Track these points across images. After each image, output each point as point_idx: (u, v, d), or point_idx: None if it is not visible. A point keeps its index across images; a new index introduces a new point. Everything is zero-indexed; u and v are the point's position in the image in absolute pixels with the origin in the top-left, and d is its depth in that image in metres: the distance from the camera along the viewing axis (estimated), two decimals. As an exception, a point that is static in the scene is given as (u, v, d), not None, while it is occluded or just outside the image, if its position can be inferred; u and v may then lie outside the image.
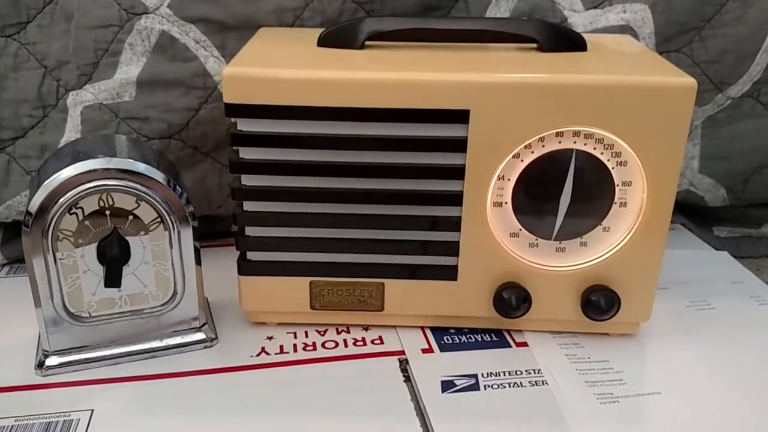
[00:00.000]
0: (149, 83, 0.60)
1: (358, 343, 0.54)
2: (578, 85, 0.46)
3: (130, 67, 0.60)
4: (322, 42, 0.53)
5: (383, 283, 0.53)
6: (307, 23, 0.60)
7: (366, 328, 0.56)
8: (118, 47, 0.60)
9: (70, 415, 0.46)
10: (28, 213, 0.46)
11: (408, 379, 0.50)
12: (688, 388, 0.49)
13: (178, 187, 0.49)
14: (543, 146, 0.48)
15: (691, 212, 0.74)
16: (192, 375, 0.50)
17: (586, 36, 0.55)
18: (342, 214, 0.50)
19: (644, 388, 0.49)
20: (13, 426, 0.45)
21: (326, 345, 0.54)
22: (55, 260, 0.47)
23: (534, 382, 0.50)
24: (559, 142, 0.48)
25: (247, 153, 0.49)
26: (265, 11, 0.59)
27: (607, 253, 0.51)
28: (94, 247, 0.48)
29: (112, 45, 0.60)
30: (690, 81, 0.46)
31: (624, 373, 0.51)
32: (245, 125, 0.49)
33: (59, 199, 0.46)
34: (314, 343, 0.54)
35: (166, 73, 0.60)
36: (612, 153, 0.48)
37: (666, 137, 0.47)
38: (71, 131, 0.62)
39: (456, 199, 0.50)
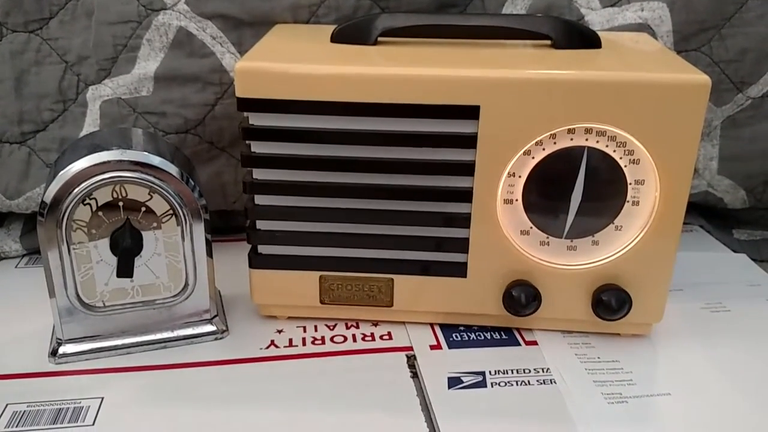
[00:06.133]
0: (166, 78, 0.61)
1: (366, 338, 0.54)
2: (590, 81, 0.46)
3: (148, 63, 0.61)
4: (336, 38, 0.53)
5: (392, 279, 0.53)
6: (322, 20, 0.61)
7: (375, 323, 0.56)
8: (136, 43, 0.61)
9: (80, 403, 0.47)
10: (43, 203, 0.47)
11: (415, 374, 0.50)
12: (698, 390, 0.49)
13: (191, 180, 0.49)
14: (554, 143, 0.48)
15: (710, 214, 0.73)
16: (202, 366, 0.51)
17: (602, 34, 0.54)
18: (352, 209, 0.51)
19: (654, 389, 0.49)
20: (25, 411, 0.46)
21: (335, 339, 0.54)
22: (69, 250, 0.48)
23: (542, 381, 0.49)
24: (571, 140, 0.48)
25: (258, 147, 0.50)
26: (280, 8, 0.60)
27: (619, 252, 0.51)
28: (107, 237, 0.49)
29: (131, 40, 0.61)
30: (704, 78, 0.45)
31: (634, 373, 0.50)
32: (257, 119, 0.49)
33: (73, 190, 0.47)
34: (323, 337, 0.54)
35: (183, 69, 0.61)
36: (624, 151, 0.48)
37: (679, 135, 0.47)
38: (90, 125, 0.63)
39: (466, 195, 0.50)
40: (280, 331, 0.55)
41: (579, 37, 0.52)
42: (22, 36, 0.63)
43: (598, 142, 0.48)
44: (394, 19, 0.52)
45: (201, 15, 0.60)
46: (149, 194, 0.49)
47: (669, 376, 0.50)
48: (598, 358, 0.52)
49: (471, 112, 0.47)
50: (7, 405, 0.46)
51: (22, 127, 0.64)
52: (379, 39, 0.53)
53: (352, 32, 0.53)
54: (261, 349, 0.53)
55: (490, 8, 0.62)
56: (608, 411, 0.47)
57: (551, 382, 0.49)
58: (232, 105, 0.62)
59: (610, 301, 0.51)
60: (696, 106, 0.46)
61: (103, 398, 0.47)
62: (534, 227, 0.51)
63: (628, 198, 0.49)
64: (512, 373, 0.50)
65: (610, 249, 0.51)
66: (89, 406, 0.46)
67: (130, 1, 0.60)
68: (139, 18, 0.60)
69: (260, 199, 0.51)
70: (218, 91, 0.61)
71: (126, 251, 0.49)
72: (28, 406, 0.46)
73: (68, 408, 0.46)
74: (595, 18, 0.62)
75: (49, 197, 0.47)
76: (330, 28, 0.55)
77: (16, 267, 0.65)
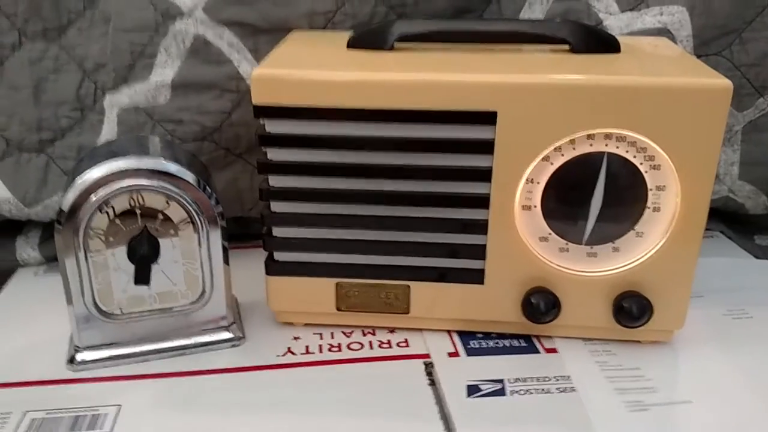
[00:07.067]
0: (183, 86, 0.61)
1: (383, 345, 0.54)
2: (610, 86, 0.45)
3: (164, 70, 0.61)
4: (352, 44, 0.53)
5: (409, 286, 0.52)
6: (338, 27, 0.61)
7: (392, 330, 0.55)
8: (153, 50, 0.61)
9: (98, 410, 0.46)
10: (60, 211, 0.47)
11: (433, 382, 0.50)
12: (721, 397, 0.48)
13: (208, 187, 0.49)
14: (573, 149, 0.47)
15: (731, 220, 0.72)
16: (219, 373, 0.51)
17: (621, 39, 0.54)
18: (368, 216, 0.50)
19: (676, 397, 0.48)
20: (43, 419, 0.46)
21: (351, 346, 0.53)
22: (86, 258, 0.48)
23: (562, 389, 0.49)
24: (591, 145, 0.47)
25: (274, 154, 0.50)
26: (297, 15, 0.60)
27: (639, 258, 0.50)
28: (124, 245, 0.49)
29: (148, 48, 0.61)
30: (725, 83, 0.45)
31: (655, 380, 0.49)
32: (273, 126, 0.49)
33: (91, 198, 0.47)
34: (340, 345, 0.54)
35: (200, 76, 0.61)
36: (645, 156, 0.47)
37: (701, 140, 0.46)
38: (107, 133, 0.63)
39: (482, 201, 0.49)
40: (296, 338, 0.54)
41: (597, 41, 0.52)
42: (40, 44, 0.63)
43: (618, 147, 0.47)
44: (410, 25, 0.52)
45: (218, 22, 0.60)
46: (166, 202, 0.49)
47: (691, 383, 0.49)
48: (619, 365, 0.51)
49: (488, 118, 0.47)
50: (26, 412, 0.46)
51: (40, 134, 0.64)
52: (396, 45, 0.52)
53: (369, 38, 0.53)
54: (278, 356, 0.52)
55: (507, 14, 0.62)
56: (629, 419, 0.46)
57: (571, 390, 0.49)
58: (248, 112, 0.61)
59: (631, 308, 0.50)
60: (717, 111, 0.45)
61: (120, 405, 0.47)
62: (553, 234, 0.50)
63: (649, 204, 0.49)
64: (532, 381, 0.50)
65: (630, 255, 0.50)
66: (107, 414, 0.46)
67: (147, 8, 0.60)
68: (156, 25, 0.60)
69: (276, 206, 0.51)
70: (235, 98, 0.61)
71: (143, 259, 0.49)
72: (46, 414, 0.46)
73: (86, 415, 0.46)
74: (614, 23, 0.61)
75: (66, 205, 0.47)
76: (346, 35, 0.55)
77: (34, 275, 0.65)
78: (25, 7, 0.62)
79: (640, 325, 0.51)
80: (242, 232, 0.69)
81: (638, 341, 0.54)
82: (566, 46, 0.52)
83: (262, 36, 0.60)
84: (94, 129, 0.64)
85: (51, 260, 0.67)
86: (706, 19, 0.60)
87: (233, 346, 0.53)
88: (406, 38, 0.52)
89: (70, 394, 0.48)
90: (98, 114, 0.64)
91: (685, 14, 0.60)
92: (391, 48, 0.52)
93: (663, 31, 0.60)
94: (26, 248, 0.67)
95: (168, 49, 0.61)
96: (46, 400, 0.48)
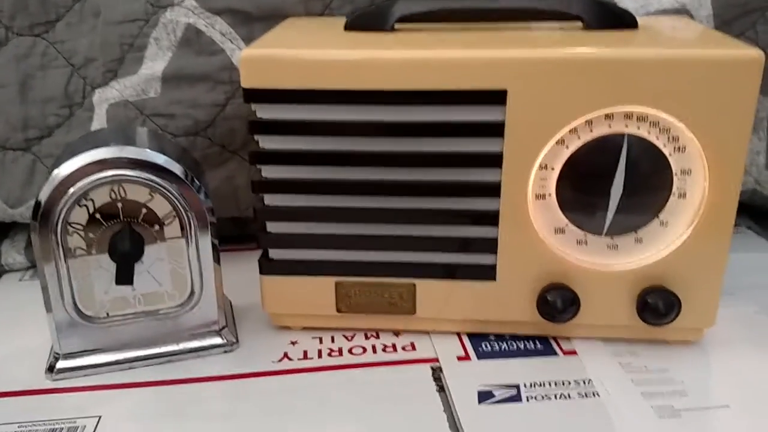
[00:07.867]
0: (175, 78, 0.58)
1: (387, 349, 0.50)
2: (629, 60, 0.42)
3: (155, 62, 0.58)
4: (350, 26, 0.50)
5: (414, 284, 0.49)
6: (336, 12, 0.58)
7: (397, 333, 0.52)
8: (143, 42, 0.58)
9: (75, 422, 0.43)
10: (36, 204, 0.44)
11: (442, 388, 0.46)
12: (760, 401, 0.44)
13: (196, 180, 0.46)
14: (590, 131, 0.44)
15: (758, 214, 0.68)
16: (209, 381, 0.47)
17: (637, 18, 0.50)
18: (369, 209, 0.47)
19: (710, 401, 0.44)
20: None
21: (353, 351, 0.50)
22: (65, 256, 0.45)
23: (583, 394, 0.45)
24: (609, 126, 0.44)
25: (267, 142, 0.46)
26: (292, 0, 0.57)
27: (665, 249, 0.46)
28: (105, 242, 0.45)
29: (138, 39, 0.58)
30: (755, 53, 0.41)
31: (686, 383, 0.45)
32: (265, 112, 0.46)
33: (69, 190, 0.44)
34: (340, 349, 0.50)
35: (192, 68, 0.58)
36: (669, 137, 0.44)
37: (730, 118, 0.42)
38: (96, 130, 0.61)
39: (493, 190, 0.45)
40: (294, 343, 0.51)
41: (613, 16, 0.48)
42: (27, 39, 0.61)
43: (639, 128, 0.43)
44: (412, 4, 0.49)
45: (210, 10, 0.57)
46: (150, 194, 0.45)
47: (725, 385, 0.45)
48: (645, 367, 0.47)
49: (497, 98, 0.43)
50: (-3, 425, 0.43)
51: (26, 133, 0.61)
52: (396, 26, 0.49)
53: (368, 19, 0.50)
54: (273, 362, 0.49)
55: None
56: (659, 426, 0.42)
57: (594, 395, 0.45)
58: (243, 105, 0.58)
59: (657, 304, 0.46)
60: (748, 84, 0.42)
61: (100, 417, 0.43)
62: (570, 224, 0.46)
63: (674, 190, 0.45)
64: (550, 385, 0.46)
65: (655, 247, 0.46)
66: (85, 426, 0.43)
67: (137, -2, 0.57)
68: (146, 16, 0.57)
69: (270, 199, 0.48)
70: (229, 90, 0.58)
71: (125, 256, 0.45)
72: (19, 427, 0.43)
73: (62, 428, 0.42)
74: (629, 4, 0.58)
75: (42, 198, 0.43)
76: (344, 19, 0.52)
77: (19, 280, 0.62)
78: (11, 3, 0.60)
79: (667, 323, 0.47)
80: (239, 233, 0.66)
81: (665, 341, 0.50)
82: (579, 23, 0.49)
83: (257, 24, 0.57)
84: (83, 126, 0.61)
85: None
86: (727, -4, 0.56)
87: (225, 351, 0.50)
88: (407, 19, 0.49)
89: (47, 405, 0.45)
90: (87, 110, 0.61)
91: (705, -8, 0.56)
92: (392, 29, 0.49)
93: (681, 11, 0.57)
94: (12, 252, 0.64)
95: (158, 41, 0.58)
96: (21, 412, 0.44)
